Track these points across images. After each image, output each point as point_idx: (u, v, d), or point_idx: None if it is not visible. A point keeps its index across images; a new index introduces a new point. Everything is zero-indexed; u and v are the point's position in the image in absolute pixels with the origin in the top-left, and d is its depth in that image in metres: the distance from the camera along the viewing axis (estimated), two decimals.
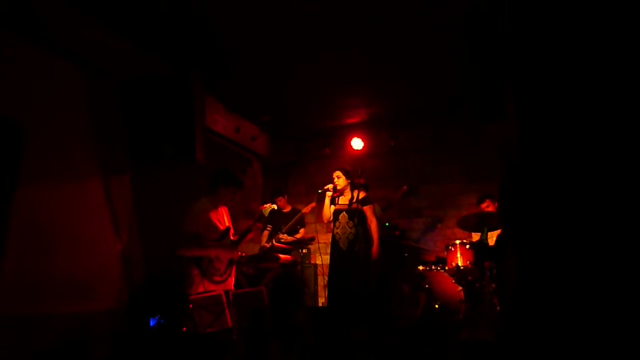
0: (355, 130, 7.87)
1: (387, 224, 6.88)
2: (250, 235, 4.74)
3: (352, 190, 5.83)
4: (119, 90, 5.44)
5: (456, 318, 5.34)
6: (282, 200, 6.98)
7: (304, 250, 7.01)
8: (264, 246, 6.68)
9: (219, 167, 4.74)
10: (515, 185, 2.21)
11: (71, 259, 4.56)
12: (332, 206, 5.89)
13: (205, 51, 5.36)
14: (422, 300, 5.75)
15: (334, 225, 5.84)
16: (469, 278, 5.63)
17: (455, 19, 4.83)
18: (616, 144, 2.00)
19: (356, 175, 5.93)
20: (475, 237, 6.39)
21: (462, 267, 5.72)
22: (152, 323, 4.35)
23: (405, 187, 7.26)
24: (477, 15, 4.73)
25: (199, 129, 5.56)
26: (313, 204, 6.56)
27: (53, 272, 4.36)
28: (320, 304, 7.27)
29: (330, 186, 5.81)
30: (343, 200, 5.85)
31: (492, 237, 5.92)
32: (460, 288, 5.53)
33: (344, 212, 5.76)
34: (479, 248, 5.80)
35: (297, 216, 6.74)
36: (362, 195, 5.78)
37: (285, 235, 6.67)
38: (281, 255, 5.97)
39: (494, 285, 5.28)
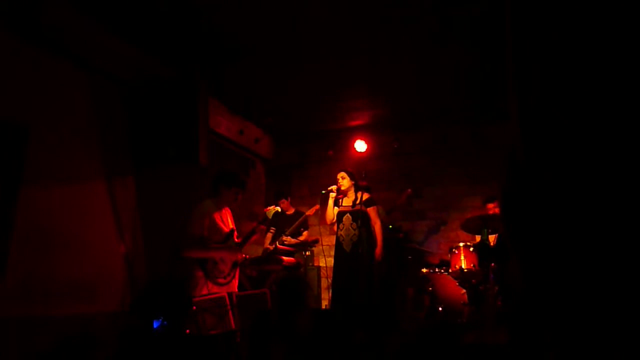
0: (358, 132, 7.86)
1: (390, 226, 6.87)
2: (254, 237, 4.74)
3: (355, 192, 5.82)
4: (123, 92, 5.46)
5: (460, 321, 5.32)
6: (285, 203, 6.97)
7: (307, 253, 7.00)
8: (268, 248, 6.68)
9: (221, 169, 4.74)
10: (518, 188, 2.20)
11: (75, 261, 4.57)
12: (336, 208, 5.88)
13: (209, 54, 5.37)
14: (426, 302, 5.74)
15: (338, 227, 5.83)
16: (473, 281, 5.61)
17: (459, 22, 4.83)
18: (621, 145, 1.99)
19: (359, 178, 5.93)
20: (479, 240, 6.38)
21: (465, 270, 5.71)
22: (155, 325, 4.35)
23: (409, 190, 7.24)
24: (480, 18, 4.73)
25: (202, 131, 5.57)
26: (317, 206, 6.55)
27: (56, 274, 4.37)
28: (323, 306, 7.26)
29: (334, 187, 5.81)
30: (347, 202, 5.84)
31: (493, 238, 5.92)
32: (464, 291, 5.52)
33: (348, 214, 5.76)
34: (481, 249, 5.79)
35: (301, 219, 6.74)
36: (365, 196, 5.78)
37: (288, 237, 6.66)
38: (284, 258, 5.97)
39: (497, 288, 5.26)
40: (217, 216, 4.38)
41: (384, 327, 5.24)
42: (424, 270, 6.00)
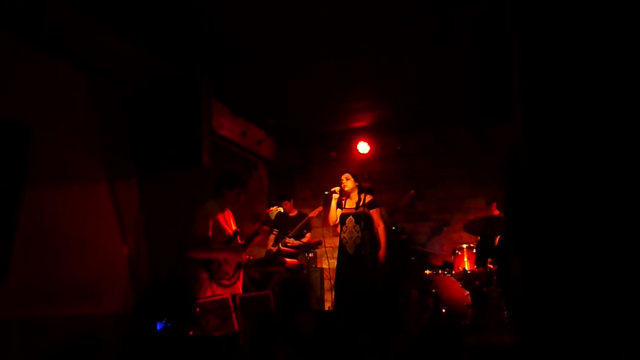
0: (361, 134, 7.86)
1: (393, 227, 6.86)
2: (257, 239, 4.73)
3: (359, 194, 5.82)
4: (126, 94, 5.47)
5: (463, 322, 5.32)
6: (288, 204, 6.96)
7: (310, 255, 6.99)
8: (271, 250, 6.67)
9: (222, 171, 4.74)
10: (521, 188, 2.19)
11: (78, 262, 4.58)
12: (339, 210, 5.88)
13: (212, 55, 5.38)
14: (430, 304, 5.72)
15: (341, 230, 5.83)
16: (476, 282, 5.60)
17: (461, 24, 4.82)
18: (623, 147, 1.98)
19: (362, 179, 5.92)
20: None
21: (469, 272, 5.70)
22: (158, 326, 4.35)
23: (412, 192, 7.24)
24: (482, 19, 4.73)
25: (205, 133, 5.57)
26: (320, 208, 6.55)
27: (60, 275, 4.38)
28: (326, 308, 7.25)
29: (337, 188, 5.80)
30: (350, 204, 5.83)
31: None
32: (468, 292, 5.51)
33: (351, 217, 5.75)
34: (482, 247, 5.79)
35: (304, 220, 6.73)
36: (368, 198, 5.77)
37: (291, 239, 6.66)
38: (287, 260, 5.96)
39: (500, 289, 5.26)
40: (220, 217, 4.38)
41: (387, 329, 5.23)
42: (427, 271, 5.99)
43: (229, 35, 5.07)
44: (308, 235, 6.89)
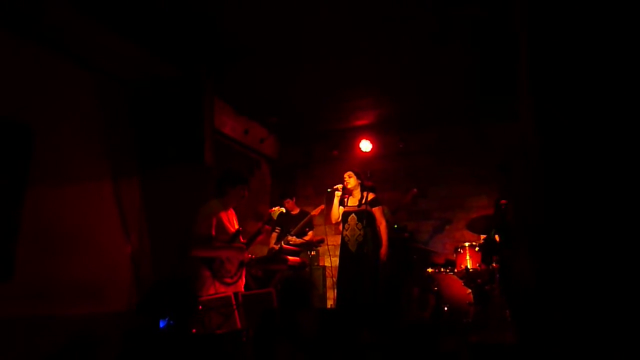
0: (363, 132, 7.86)
1: (395, 226, 6.86)
2: (259, 238, 4.75)
3: (361, 192, 5.82)
4: (128, 93, 5.48)
5: (465, 320, 5.32)
6: (290, 202, 6.98)
7: (312, 252, 7.01)
8: (273, 248, 6.69)
9: (224, 170, 4.76)
10: (532, 187, 2.19)
11: (81, 261, 4.59)
12: (341, 207, 5.88)
13: (214, 54, 5.38)
14: (431, 302, 5.73)
15: (343, 227, 5.84)
16: (478, 280, 5.61)
17: (464, 23, 4.82)
18: (637, 143, 1.98)
19: (365, 178, 5.93)
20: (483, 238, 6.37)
21: (471, 270, 5.70)
22: (161, 325, 4.36)
23: (415, 190, 7.23)
24: (485, 18, 4.73)
25: (208, 131, 5.58)
26: (322, 206, 6.56)
27: (63, 274, 4.39)
28: (328, 306, 7.26)
29: (339, 186, 5.81)
30: (352, 201, 5.84)
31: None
32: (470, 290, 5.51)
33: (353, 214, 5.76)
34: (487, 246, 5.78)
35: (306, 218, 6.74)
36: (371, 196, 5.78)
37: (293, 237, 6.67)
38: (290, 257, 5.97)
39: (502, 287, 5.26)
40: (223, 216, 4.39)
41: (389, 327, 5.24)
42: (430, 270, 5.99)
43: (230, 34, 5.07)
44: (310, 233, 6.90)
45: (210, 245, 4.23)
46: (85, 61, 4.86)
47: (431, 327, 5.36)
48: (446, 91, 6.46)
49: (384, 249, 5.67)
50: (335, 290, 5.92)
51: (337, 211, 5.89)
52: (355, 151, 7.95)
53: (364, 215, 5.67)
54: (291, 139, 8.47)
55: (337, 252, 5.95)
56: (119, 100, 5.38)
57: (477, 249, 5.81)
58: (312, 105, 7.06)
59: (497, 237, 5.82)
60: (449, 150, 7.76)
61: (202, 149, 5.45)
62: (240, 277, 4.41)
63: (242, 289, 4.45)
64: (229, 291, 4.17)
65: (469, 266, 5.73)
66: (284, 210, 5.29)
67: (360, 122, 7.84)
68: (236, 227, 4.49)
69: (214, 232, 4.27)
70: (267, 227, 6.34)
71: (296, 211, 7.03)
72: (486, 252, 5.79)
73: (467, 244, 5.92)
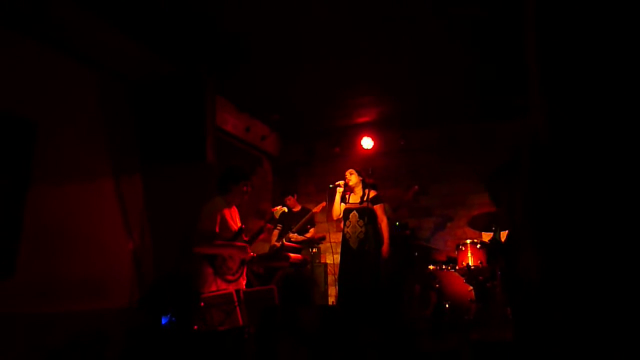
0: (365, 129, 7.86)
1: (397, 223, 6.87)
2: (261, 236, 4.76)
3: (363, 189, 5.83)
4: (130, 90, 5.49)
5: (467, 318, 5.32)
6: (291, 200, 6.99)
7: (314, 250, 7.02)
8: (274, 245, 6.69)
9: (226, 167, 4.77)
10: (545, 183, 2.17)
11: (83, 258, 4.61)
12: (343, 204, 5.89)
13: (216, 52, 5.38)
14: (433, 299, 5.73)
15: (344, 224, 5.84)
16: (480, 278, 5.61)
17: (467, 19, 4.81)
18: None
19: (367, 175, 5.93)
20: (486, 236, 6.37)
21: (472, 267, 5.71)
22: (163, 321, 4.38)
23: (416, 187, 7.24)
24: (486, 18, 4.72)
25: (209, 129, 5.59)
26: (323, 204, 6.56)
27: (65, 271, 4.41)
28: (330, 303, 7.27)
29: (341, 182, 5.81)
30: (354, 198, 5.85)
31: (504, 235, 5.89)
32: (471, 288, 5.52)
33: (355, 211, 5.76)
34: (492, 246, 5.77)
35: (307, 215, 6.75)
36: (372, 194, 5.78)
37: (295, 234, 6.68)
38: (291, 255, 5.99)
39: (503, 285, 5.26)
40: (227, 213, 4.40)
41: (390, 324, 5.25)
42: (431, 267, 6.00)
43: (232, 32, 5.07)
44: (312, 230, 6.91)
45: (214, 242, 4.23)
46: (88, 59, 4.86)
47: (432, 325, 5.38)
48: (447, 89, 6.46)
49: (385, 246, 5.67)
50: (337, 287, 5.93)
51: (338, 207, 5.90)
52: (356, 148, 7.96)
53: (365, 212, 5.68)
54: (293, 136, 8.48)
55: (339, 249, 5.96)
56: (121, 97, 5.38)
57: (478, 246, 5.81)
58: (313, 103, 7.06)
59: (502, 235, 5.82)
60: (451, 148, 7.75)
61: (204, 147, 5.46)
62: (241, 275, 4.42)
63: (244, 287, 4.46)
64: (231, 288, 4.18)
65: (470, 263, 5.74)
66: (286, 209, 5.30)
67: (362, 120, 7.84)
68: (239, 224, 4.50)
69: (217, 229, 4.27)
70: (269, 225, 6.35)
71: (298, 208, 7.04)
72: (491, 252, 5.78)
73: (468, 241, 5.92)
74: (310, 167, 8.64)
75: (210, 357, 3.59)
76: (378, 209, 5.78)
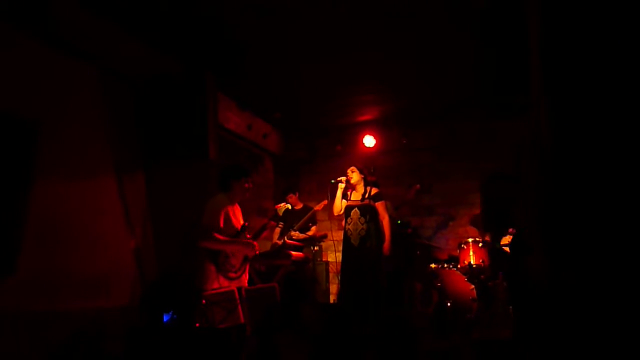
0: (367, 127, 7.86)
1: (399, 221, 6.87)
2: (264, 234, 4.76)
3: (364, 187, 5.82)
4: (133, 89, 5.50)
5: (468, 316, 5.32)
6: (293, 197, 6.98)
7: (315, 248, 7.02)
8: (276, 243, 6.70)
9: (226, 165, 4.77)
10: (551, 184, 2.16)
11: (86, 255, 4.61)
12: (344, 201, 5.88)
13: (218, 51, 5.38)
14: (434, 298, 5.73)
15: (346, 222, 5.83)
16: (482, 276, 5.60)
17: (470, 17, 4.80)
18: None
19: (368, 173, 5.92)
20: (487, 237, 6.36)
21: (474, 266, 5.70)
22: (165, 319, 4.39)
23: (418, 185, 7.23)
24: (492, 13, 4.71)
25: (211, 127, 5.60)
26: (325, 202, 6.55)
27: (68, 268, 4.41)
28: (331, 301, 7.28)
29: (343, 178, 5.80)
30: (355, 196, 5.84)
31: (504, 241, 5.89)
32: (473, 286, 5.51)
33: (356, 209, 5.75)
34: (493, 254, 5.77)
35: (309, 213, 6.75)
36: (374, 191, 5.78)
37: (297, 232, 6.68)
38: (293, 252, 5.98)
39: (506, 284, 5.25)
40: (230, 211, 4.40)
41: (391, 322, 5.25)
42: (433, 265, 6.00)
43: (236, 32, 5.08)
44: (314, 228, 6.91)
45: (219, 237, 4.22)
46: (90, 57, 4.86)
47: (434, 323, 5.38)
48: (454, 86, 6.45)
49: (386, 244, 5.66)
50: (338, 285, 5.93)
51: (339, 203, 5.88)
52: (358, 147, 7.95)
53: (367, 209, 5.67)
54: (295, 134, 8.48)
55: (341, 247, 5.96)
56: (124, 96, 5.39)
57: (480, 244, 5.81)
58: (315, 101, 7.06)
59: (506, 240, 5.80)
60: (453, 146, 7.75)
61: (206, 145, 5.46)
62: (244, 272, 4.42)
63: (246, 284, 4.46)
64: (233, 286, 4.18)
65: (472, 262, 5.73)
66: (289, 206, 5.30)
67: (364, 118, 7.84)
68: (242, 222, 4.50)
69: (222, 225, 4.27)
70: (271, 222, 6.36)
71: (299, 206, 7.04)
72: (494, 259, 5.77)
73: (470, 239, 5.92)
74: (312, 165, 8.64)
75: (212, 354, 3.60)
76: (379, 206, 5.77)
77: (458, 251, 6.04)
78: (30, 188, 4.14)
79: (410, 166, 8.01)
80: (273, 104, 7.22)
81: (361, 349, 3.80)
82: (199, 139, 5.46)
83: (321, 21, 4.90)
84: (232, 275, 4.28)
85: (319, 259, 7.24)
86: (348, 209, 5.82)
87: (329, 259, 7.63)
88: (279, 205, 5.38)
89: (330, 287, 7.47)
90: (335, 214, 6.00)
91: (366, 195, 5.73)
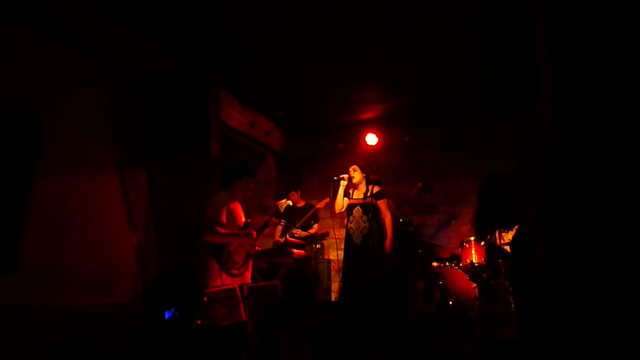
0: (369, 125, 7.86)
1: (401, 220, 6.86)
2: (266, 231, 4.76)
3: (366, 185, 5.82)
4: (136, 85, 5.49)
5: (470, 315, 5.32)
6: (295, 195, 6.98)
7: (317, 245, 7.02)
8: (278, 241, 6.70)
9: (229, 162, 4.77)
10: (554, 181, 2.15)
11: (88, 252, 4.61)
12: (346, 199, 5.87)
13: (221, 48, 5.38)
14: (436, 296, 5.73)
15: (348, 220, 5.83)
16: (484, 275, 5.59)
17: (470, 17, 4.79)
18: None
19: (371, 171, 5.92)
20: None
21: (476, 264, 5.69)
22: (167, 315, 4.39)
23: (420, 184, 7.22)
24: (492, 13, 4.70)
25: (214, 124, 5.59)
26: (327, 199, 6.55)
27: (70, 265, 4.41)
28: (333, 299, 7.27)
29: (345, 176, 5.80)
30: (357, 194, 5.83)
31: (504, 237, 5.86)
32: (475, 285, 5.50)
33: (358, 207, 5.75)
34: (491, 251, 5.75)
35: (311, 211, 6.75)
36: (376, 189, 5.77)
37: (298, 230, 6.68)
38: (295, 250, 5.99)
39: (508, 283, 5.24)
40: (232, 207, 4.41)
41: (393, 320, 5.25)
42: (435, 264, 5.99)
43: (239, 29, 5.07)
44: (315, 226, 6.91)
45: (221, 230, 4.23)
46: (94, 54, 4.86)
47: (436, 321, 5.37)
48: (457, 84, 6.43)
49: (388, 242, 5.66)
50: (340, 283, 5.92)
51: (341, 200, 5.87)
52: (361, 145, 7.95)
53: (369, 207, 5.67)
54: (297, 132, 8.48)
55: (343, 245, 5.95)
56: (127, 92, 5.38)
57: (482, 243, 5.79)
58: (318, 99, 7.06)
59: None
60: (455, 145, 7.73)
61: (209, 142, 5.46)
62: (247, 269, 4.43)
63: (249, 281, 4.46)
64: (235, 282, 4.19)
65: (474, 260, 5.72)
66: (291, 203, 5.30)
67: (366, 116, 7.83)
68: (244, 219, 4.51)
69: (225, 220, 4.28)
70: (274, 219, 6.35)
71: (301, 204, 7.03)
72: (491, 255, 5.76)
73: (472, 238, 5.91)
74: (314, 163, 8.64)
75: (214, 352, 3.60)
76: (382, 204, 5.76)
77: (460, 250, 6.03)
78: (33, 184, 4.14)
79: (413, 164, 8.00)
80: (275, 102, 7.22)
81: (363, 347, 3.80)
82: (201, 136, 5.46)
83: (321, 21, 4.90)
84: (235, 272, 4.29)
85: (320, 257, 7.24)
86: (350, 207, 5.82)
87: (331, 257, 7.63)
88: (280, 201, 5.39)
89: (332, 285, 7.47)
90: (337, 211, 5.99)
91: (368, 194, 5.73)
